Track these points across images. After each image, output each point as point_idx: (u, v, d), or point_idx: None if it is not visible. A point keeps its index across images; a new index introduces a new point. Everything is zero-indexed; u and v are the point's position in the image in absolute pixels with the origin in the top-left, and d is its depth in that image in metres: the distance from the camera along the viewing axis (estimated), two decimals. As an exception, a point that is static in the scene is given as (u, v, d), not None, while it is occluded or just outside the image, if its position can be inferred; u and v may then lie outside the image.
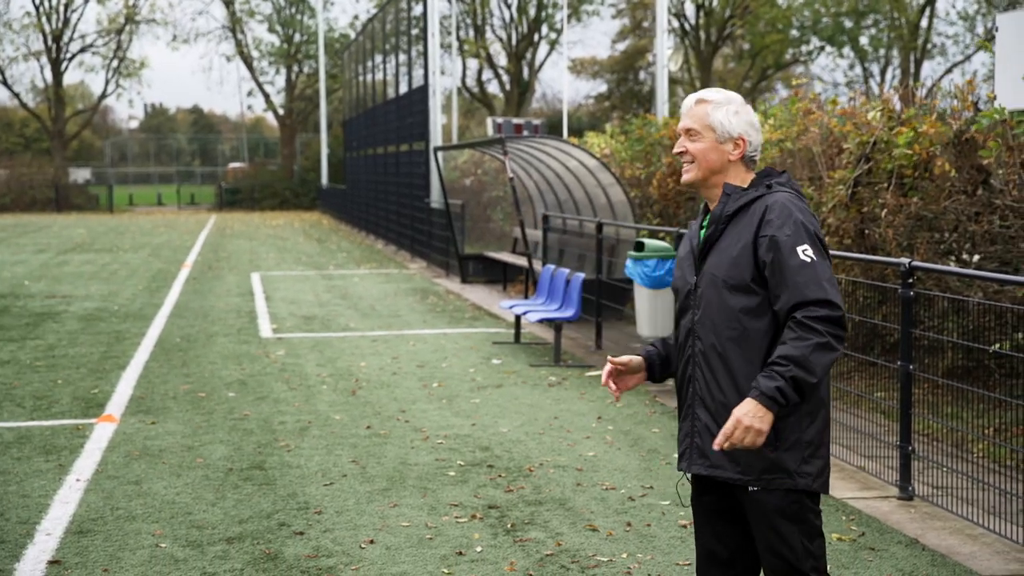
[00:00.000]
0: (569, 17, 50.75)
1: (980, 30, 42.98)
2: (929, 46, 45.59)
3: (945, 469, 7.03)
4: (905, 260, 6.90)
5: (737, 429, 3.53)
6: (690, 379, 3.81)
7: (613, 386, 3.95)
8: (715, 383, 3.72)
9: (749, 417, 3.53)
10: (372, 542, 6.11)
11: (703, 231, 3.82)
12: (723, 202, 3.76)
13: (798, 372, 3.51)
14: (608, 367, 3.94)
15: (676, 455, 7.86)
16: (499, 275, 19.18)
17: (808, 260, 3.59)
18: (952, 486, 6.75)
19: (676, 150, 3.86)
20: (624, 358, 3.96)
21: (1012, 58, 8.14)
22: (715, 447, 3.59)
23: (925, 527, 6.34)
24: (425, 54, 23.81)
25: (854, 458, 7.68)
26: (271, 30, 63.42)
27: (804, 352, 3.51)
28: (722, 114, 3.79)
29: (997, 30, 8.45)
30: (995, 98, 8.79)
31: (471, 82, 57.26)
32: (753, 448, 3.56)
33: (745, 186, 3.79)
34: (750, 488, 3.68)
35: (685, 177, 3.84)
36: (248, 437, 8.48)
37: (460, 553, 5.95)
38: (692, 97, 3.89)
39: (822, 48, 47.91)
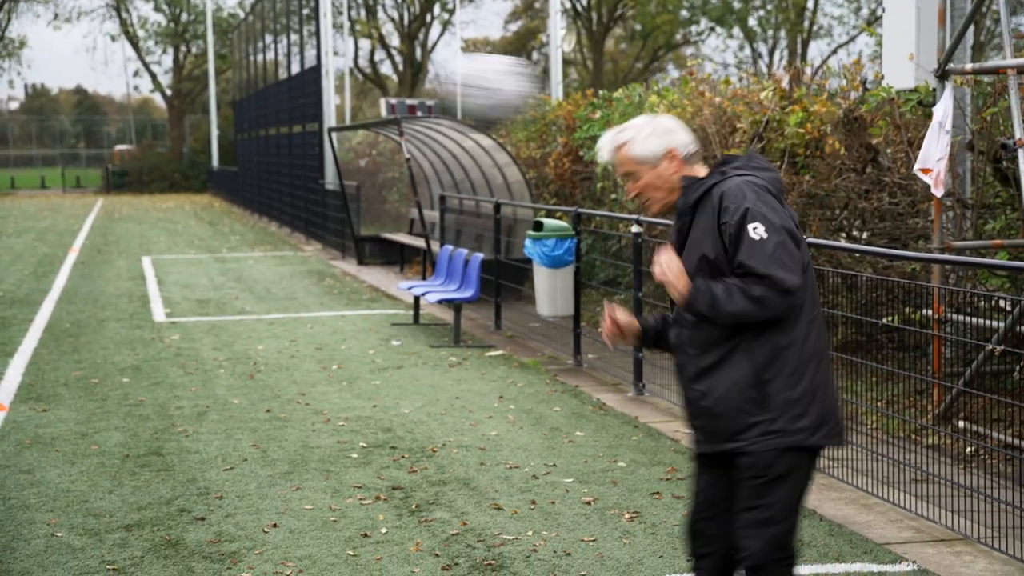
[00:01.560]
0: (461, -3, 50.59)
1: (865, 11, 43.90)
2: (816, 27, 46.45)
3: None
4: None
5: (666, 265, 3.84)
6: (683, 364, 3.96)
7: (613, 325, 4.10)
8: (699, 367, 3.88)
9: (675, 273, 3.82)
10: (275, 526, 6.05)
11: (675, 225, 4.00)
12: (684, 195, 3.90)
13: (722, 306, 3.72)
14: (608, 323, 4.10)
15: (579, 433, 7.95)
16: (396, 257, 19.09)
17: (758, 237, 3.69)
18: (847, 457, 6.91)
19: (630, 195, 4.01)
20: (627, 318, 4.13)
21: (899, 38, 8.33)
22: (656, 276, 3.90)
23: (822, 498, 6.48)
24: (317, 34, 23.54)
25: (752, 432, 7.80)
26: (157, 9, 62.11)
27: (731, 298, 3.70)
28: (639, 146, 3.91)
29: (884, 11, 8.63)
30: (883, 78, 8.98)
31: (364, 63, 56.81)
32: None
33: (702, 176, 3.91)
34: (746, 449, 3.79)
35: (653, 210, 4.00)
36: (144, 423, 8.33)
37: (365, 535, 5.92)
38: (606, 149, 4.01)
39: (712, 29, 48.50)
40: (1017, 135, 7.36)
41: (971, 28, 8.06)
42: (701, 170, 3.93)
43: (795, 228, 3.78)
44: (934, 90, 8.07)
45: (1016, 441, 6.91)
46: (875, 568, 5.41)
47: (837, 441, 3.90)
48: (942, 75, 7.75)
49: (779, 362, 3.76)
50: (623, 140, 3.96)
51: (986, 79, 8.39)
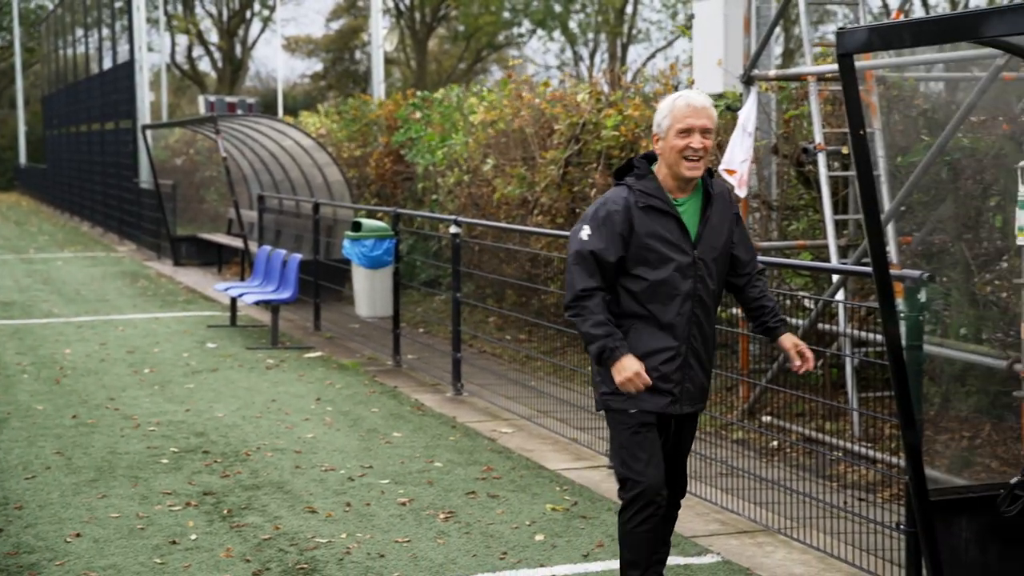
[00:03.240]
0: (283, -6, 49.87)
1: (681, 17, 45.01)
2: (635, 32, 47.40)
3: (651, 437, 7.34)
4: (612, 237, 7.14)
5: (807, 351, 4.65)
6: (689, 337, 4.53)
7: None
8: (709, 339, 4.60)
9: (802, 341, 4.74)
10: (79, 535, 5.85)
11: (681, 208, 4.50)
12: (708, 184, 4.54)
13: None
14: (641, 384, 4.48)
15: (397, 434, 7.92)
16: (214, 257, 18.69)
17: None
18: (658, 453, 7.05)
19: (695, 146, 4.40)
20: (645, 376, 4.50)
21: (708, 44, 8.56)
22: (811, 368, 4.65)
23: (633, 493, 6.60)
24: (130, 28, 22.88)
25: (567, 430, 7.92)
26: (-41, -1, 59.33)
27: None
28: (716, 113, 4.52)
29: (694, 18, 8.86)
30: (694, 82, 9.22)
31: (181, 59, 55.46)
32: None
33: None
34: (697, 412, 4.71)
35: (697, 172, 4.45)
36: (-60, 432, 7.95)
37: (174, 542, 5.77)
38: (699, 97, 4.48)
39: (534, 31, 49.01)
40: (817, 139, 7.65)
41: (780, 36, 8.33)
42: None
43: None
44: (741, 95, 8.32)
45: (816, 435, 7.18)
46: (681, 560, 5.54)
47: None
48: (747, 81, 8.00)
49: None
50: (708, 100, 4.52)
51: (793, 85, 8.69)
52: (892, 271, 4.55)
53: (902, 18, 7.80)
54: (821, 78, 7.68)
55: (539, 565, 5.51)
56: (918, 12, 29.52)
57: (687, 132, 4.40)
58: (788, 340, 4.63)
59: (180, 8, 53.07)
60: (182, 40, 54.93)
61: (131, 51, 22.92)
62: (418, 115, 14.65)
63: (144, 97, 22.75)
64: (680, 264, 4.47)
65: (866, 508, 5.89)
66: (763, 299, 4.69)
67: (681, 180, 4.48)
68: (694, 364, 4.57)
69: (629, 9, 46.52)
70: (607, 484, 6.80)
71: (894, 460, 6.49)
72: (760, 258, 7.42)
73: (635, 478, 4.53)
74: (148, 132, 20.25)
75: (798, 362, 4.57)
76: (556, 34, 48.58)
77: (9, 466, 7.11)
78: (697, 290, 4.50)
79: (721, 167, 7.84)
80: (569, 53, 51.01)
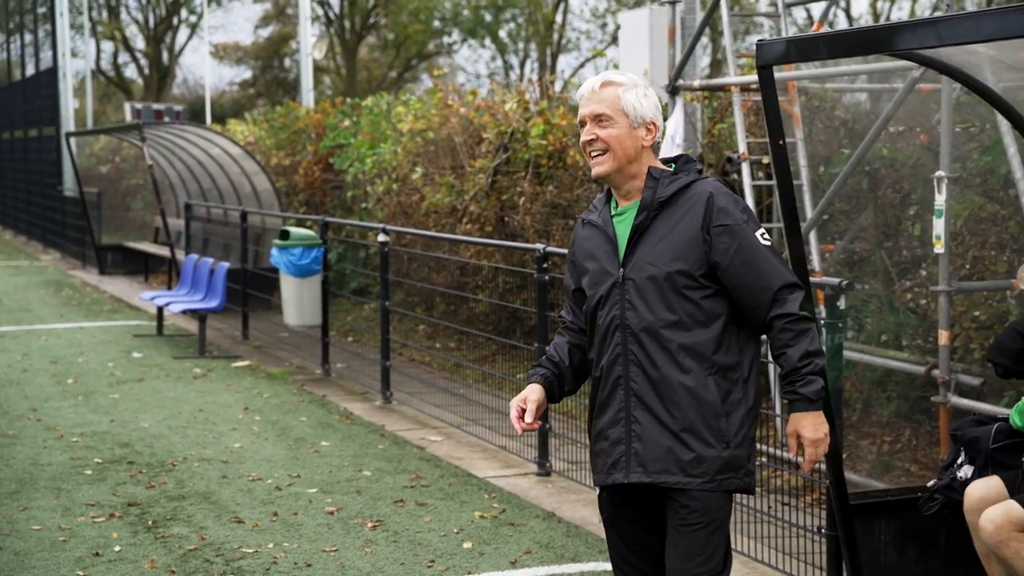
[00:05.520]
0: (209, 1, 49.47)
1: (611, 27, 45.34)
2: (564, 41, 47.66)
3: (579, 445, 7.40)
4: (540, 246, 7.19)
5: (818, 448, 3.48)
6: (619, 380, 3.51)
7: (527, 421, 3.57)
8: (657, 379, 3.46)
9: (814, 430, 3.47)
10: None
11: (617, 219, 3.56)
12: (651, 187, 3.52)
13: (820, 361, 3.46)
14: (514, 412, 3.59)
15: (325, 442, 7.89)
16: (140, 266, 18.45)
17: (768, 243, 3.49)
18: (585, 460, 7.10)
19: (586, 138, 3.54)
20: (533, 405, 3.58)
21: (634, 54, 8.65)
22: (807, 472, 3.56)
23: (561, 500, 6.65)
24: (53, 34, 22.58)
25: (496, 438, 7.94)
26: None
27: (813, 342, 3.44)
28: (633, 97, 3.53)
29: (619, 28, 8.95)
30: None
31: (106, 65, 54.76)
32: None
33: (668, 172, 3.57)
34: (698, 491, 3.45)
35: (599, 170, 3.53)
36: None
37: (97, 554, 5.70)
38: (595, 80, 3.57)
39: (464, 40, 49.08)
40: (741, 149, 7.76)
41: (708, 47, 8.45)
42: (657, 164, 3.60)
43: None
44: (666, 105, 8.42)
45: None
46: (609, 567, 5.58)
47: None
48: (673, 91, 8.09)
49: None
50: (620, 81, 3.56)
51: (723, 95, 8.80)
52: (812, 279, 4.64)
53: (822, 30, 7.94)
54: (745, 88, 7.79)
55: (467, 572, 5.52)
56: (842, 24, 30.02)
57: (583, 123, 3.58)
58: (792, 423, 3.50)
59: (105, 14, 52.42)
60: (107, 46, 54.23)
61: (54, 57, 22.61)
62: (347, 123, 14.62)
63: (68, 104, 22.44)
64: (608, 283, 3.54)
65: (789, 512, 5.97)
66: (782, 354, 3.46)
67: (612, 183, 3.60)
68: (641, 418, 3.49)
69: (559, 19, 46.78)
70: (535, 491, 6.84)
71: (817, 465, 6.59)
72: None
73: None
74: (72, 139, 19.96)
75: (792, 452, 3.56)
76: (487, 43, 48.72)
77: (-73, 479, 6.99)
78: (626, 319, 3.48)
79: None
80: (500, 62, 51.16)
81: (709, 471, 3.45)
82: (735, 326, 3.51)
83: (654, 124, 3.56)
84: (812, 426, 3.47)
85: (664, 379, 3.46)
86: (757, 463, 6.86)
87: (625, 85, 3.54)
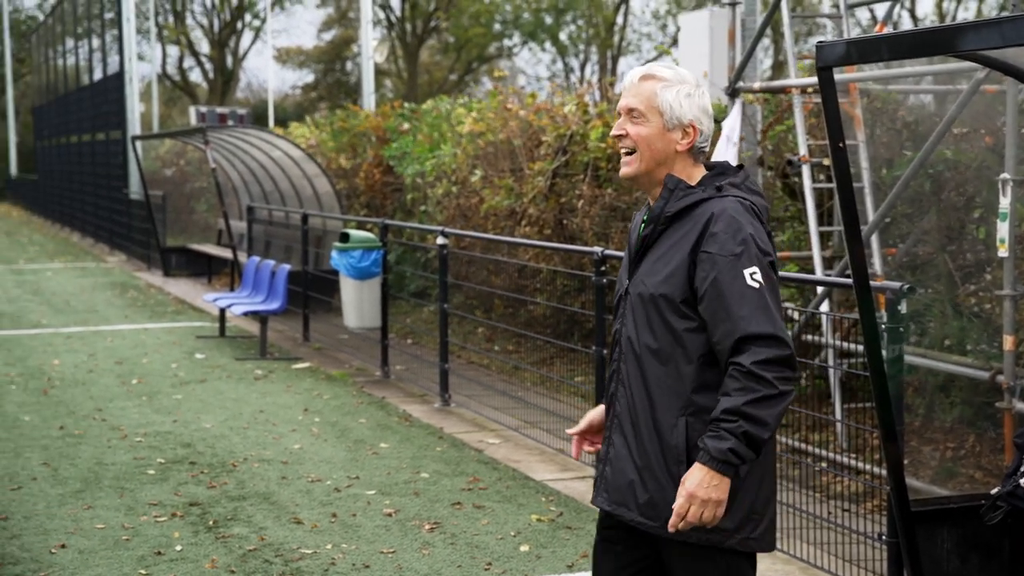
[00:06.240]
0: (273, 5, 49.96)
1: (672, 29, 45.16)
2: (625, 43, 47.55)
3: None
4: (599, 249, 7.18)
5: (692, 505, 3.02)
6: (613, 397, 3.30)
7: (589, 448, 3.44)
8: (634, 406, 3.22)
9: (704, 488, 3.01)
10: (64, 546, 5.85)
11: (643, 224, 3.29)
12: (664, 198, 3.21)
13: (749, 427, 2.99)
14: (575, 440, 3.46)
15: (384, 444, 7.94)
16: (204, 268, 18.68)
17: (755, 286, 3.07)
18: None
19: (615, 132, 3.27)
20: (583, 423, 3.45)
21: (693, 57, 8.61)
22: (671, 529, 3.06)
23: (619, 503, 6.62)
24: (120, 39, 22.91)
25: (554, 441, 7.94)
26: (-50, 9, 59.25)
27: (752, 405, 2.99)
28: (672, 95, 3.22)
29: (680, 30, 8.91)
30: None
31: (172, 69, 55.47)
32: (713, 523, 3.05)
33: (693, 183, 3.24)
34: (677, 542, 3.15)
35: (625, 171, 3.27)
36: (-74, 443, 7.94)
37: (159, 553, 5.78)
38: (637, 71, 3.28)
39: (525, 43, 49.14)
40: (801, 151, 7.69)
41: (770, 48, 8.38)
42: (693, 172, 3.26)
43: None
44: (726, 107, 8.36)
45: (801, 445, 7.21)
46: (666, 571, 5.55)
47: (771, 547, 3.38)
48: (732, 92, 8.04)
49: None
50: (661, 76, 3.26)
51: (783, 97, 8.73)
52: (873, 283, 4.58)
53: (886, 30, 7.86)
54: (805, 90, 7.72)
55: (524, 576, 5.53)
56: (907, 24, 29.67)
57: (618, 115, 3.30)
58: (684, 480, 3.06)
59: (171, 19, 53.11)
60: (173, 51, 54.97)
61: (121, 62, 22.94)
62: (406, 126, 14.69)
63: (134, 108, 22.76)
64: (618, 295, 3.35)
65: (850, 519, 5.91)
66: (717, 401, 3.07)
67: (640, 187, 3.36)
68: (616, 441, 3.26)
69: (620, 21, 46.69)
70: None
71: (878, 471, 6.52)
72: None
73: None
74: (138, 143, 20.25)
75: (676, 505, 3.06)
76: (547, 45, 48.73)
77: (-5, 477, 7.11)
78: (625, 333, 3.26)
79: None
80: (560, 65, 51.14)
81: (665, 516, 3.12)
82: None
83: (693, 127, 3.22)
84: (698, 481, 3.02)
85: (637, 408, 3.20)
86: (817, 468, 6.83)
87: (666, 81, 3.24)
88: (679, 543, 3.14)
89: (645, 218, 3.30)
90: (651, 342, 3.18)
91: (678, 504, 3.04)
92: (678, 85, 3.23)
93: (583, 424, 3.46)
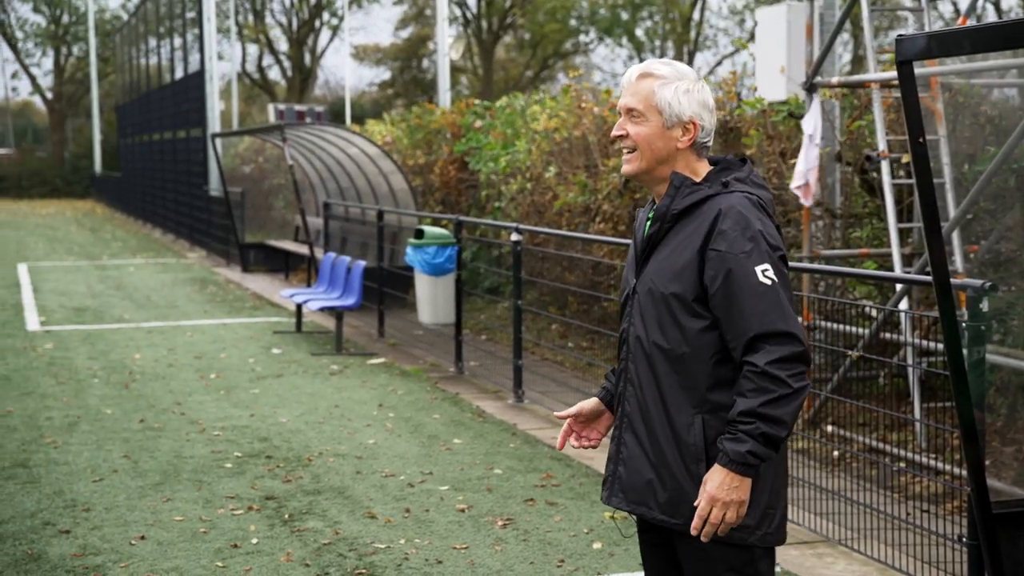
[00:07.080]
0: (350, 3, 50.36)
1: (749, 24, 44.76)
2: (702, 38, 47.23)
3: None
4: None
5: (714, 507, 3.05)
6: (622, 397, 3.30)
7: (575, 442, 3.48)
8: (646, 405, 3.21)
9: (725, 490, 3.04)
10: (143, 538, 5.95)
11: (648, 222, 3.28)
12: (670, 195, 3.20)
13: (767, 428, 3.01)
14: (564, 428, 3.48)
15: (457, 440, 7.96)
16: (281, 264, 18.90)
17: (768, 283, 3.07)
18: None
19: (615, 132, 3.26)
20: (573, 408, 3.48)
21: (770, 52, 8.52)
22: (693, 532, 3.09)
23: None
24: (201, 38, 23.23)
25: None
26: (36, 10, 60.56)
27: (768, 405, 3.01)
28: (671, 93, 3.19)
29: (757, 25, 8.82)
30: (756, 89, 9.17)
31: (251, 68, 56.17)
32: (737, 523, 3.09)
33: (698, 178, 3.22)
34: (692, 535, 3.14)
35: (626, 169, 3.25)
36: (11, 434, 8.12)
37: (235, 546, 5.85)
38: (635, 69, 3.26)
39: (601, 39, 49.01)
40: (881, 147, 7.57)
41: (849, 43, 8.27)
42: (697, 168, 3.25)
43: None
44: (803, 102, 8.26)
45: (880, 445, 7.11)
46: (740, 571, 5.50)
47: (783, 540, 3.36)
48: (810, 88, 7.94)
49: None
50: (659, 73, 3.23)
51: (862, 92, 8.61)
52: (954, 280, 4.50)
53: (968, 23, 7.70)
54: (885, 85, 7.60)
55: (596, 573, 5.51)
56: (991, 17, 29.10)
57: (620, 114, 3.27)
58: (704, 483, 3.09)
59: (251, 18, 53.79)
60: (252, 49, 55.68)
61: (201, 61, 23.27)
62: (479, 123, 14.72)
63: (214, 106, 23.08)
64: (625, 294, 3.36)
65: (929, 520, 5.81)
66: (733, 403, 3.08)
67: (643, 184, 3.36)
68: (628, 441, 3.26)
69: (696, 16, 46.37)
70: (666, 493, 6.78)
71: (958, 471, 6.40)
72: (823, 267, 7.40)
73: None
74: (218, 140, 20.53)
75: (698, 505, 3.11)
76: (624, 41, 48.56)
77: (78, 469, 7.25)
78: (634, 332, 3.25)
79: (792, 185, 7.76)
80: (636, 60, 50.92)
81: (688, 514, 3.13)
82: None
83: (693, 123, 3.19)
84: (719, 483, 3.04)
85: (649, 407, 3.20)
86: (895, 468, 6.72)
87: (664, 78, 3.21)
88: (696, 538, 3.14)
89: (650, 216, 3.28)
90: (662, 341, 3.18)
91: (700, 507, 3.07)
92: (676, 82, 3.21)
93: (573, 410, 3.48)
